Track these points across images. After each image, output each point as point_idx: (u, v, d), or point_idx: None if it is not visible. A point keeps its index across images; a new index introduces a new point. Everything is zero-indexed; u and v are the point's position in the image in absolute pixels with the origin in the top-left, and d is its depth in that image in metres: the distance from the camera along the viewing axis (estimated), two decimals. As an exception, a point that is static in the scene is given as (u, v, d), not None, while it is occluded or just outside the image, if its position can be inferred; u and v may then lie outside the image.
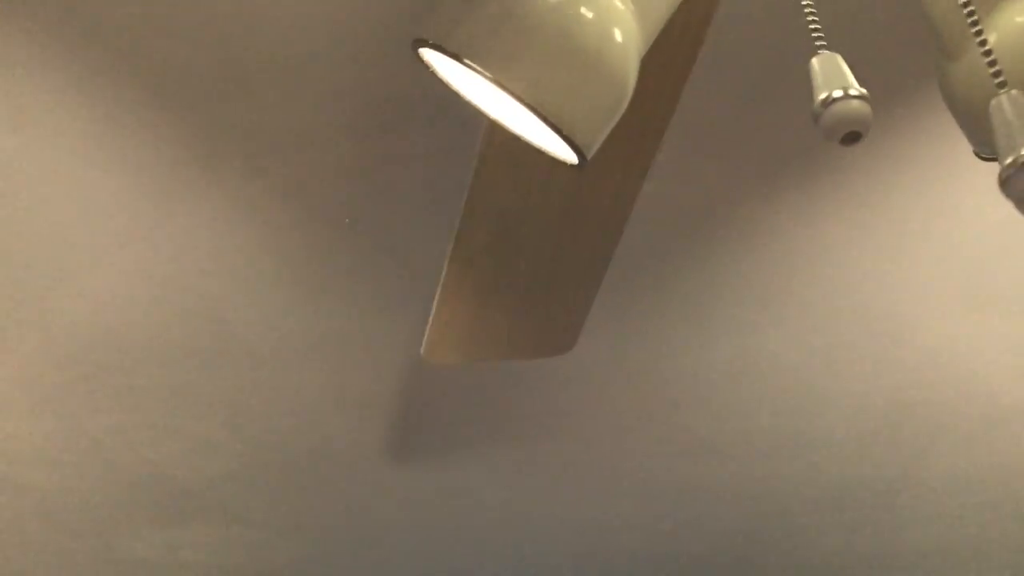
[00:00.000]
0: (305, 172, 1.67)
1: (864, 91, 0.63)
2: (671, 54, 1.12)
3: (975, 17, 0.61)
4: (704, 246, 1.85)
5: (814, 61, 0.65)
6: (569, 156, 0.76)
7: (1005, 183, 0.58)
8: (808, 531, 2.86)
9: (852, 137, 0.64)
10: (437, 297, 1.39)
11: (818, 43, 0.65)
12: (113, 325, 1.95)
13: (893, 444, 2.47)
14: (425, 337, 1.45)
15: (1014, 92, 0.60)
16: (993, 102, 0.60)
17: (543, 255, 1.36)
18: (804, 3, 0.66)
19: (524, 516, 2.70)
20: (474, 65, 0.68)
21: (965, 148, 1.71)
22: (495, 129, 1.21)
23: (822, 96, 0.64)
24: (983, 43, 0.61)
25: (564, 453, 2.43)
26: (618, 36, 0.71)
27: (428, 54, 0.74)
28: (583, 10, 0.69)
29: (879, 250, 1.90)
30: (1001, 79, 0.61)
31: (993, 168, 1.86)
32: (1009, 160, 0.58)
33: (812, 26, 0.65)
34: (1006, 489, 2.70)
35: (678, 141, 1.60)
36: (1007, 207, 2.02)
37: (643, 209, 1.72)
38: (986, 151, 0.84)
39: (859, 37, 1.45)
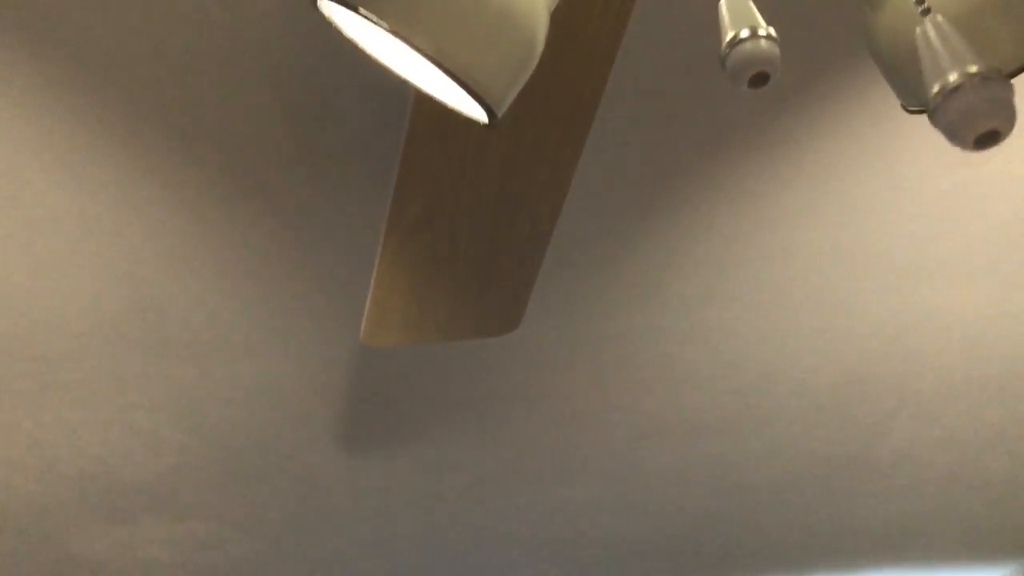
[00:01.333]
0: (241, 161, 1.63)
1: (772, 31, 0.61)
2: (603, 16, 1.10)
3: None
4: (651, 222, 1.83)
5: (722, 3, 0.63)
6: (480, 114, 0.73)
7: (934, 113, 0.56)
8: (766, 508, 2.87)
9: (760, 79, 0.61)
10: (374, 277, 1.35)
11: None
12: (52, 319, 1.89)
13: (847, 420, 2.47)
14: (364, 320, 1.41)
15: (939, 18, 0.58)
16: (918, 31, 0.58)
17: (480, 230, 1.33)
18: None
19: (483, 502, 2.68)
20: (371, 16, 0.65)
21: (910, 121, 1.71)
22: (423, 102, 1.18)
23: (729, 36, 0.61)
24: None
25: (521, 438, 2.40)
26: (524, -15, 0.68)
27: (328, 7, 0.70)
28: (486, -42, 0.66)
29: (826, 224, 1.89)
30: (925, 6, 0.59)
31: (938, 141, 1.85)
32: (936, 89, 0.56)
33: None
34: (957, 463, 2.72)
35: (621, 112, 1.59)
36: (952, 178, 2.02)
37: (587, 183, 1.71)
38: (913, 103, 0.82)
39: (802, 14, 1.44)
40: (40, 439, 2.19)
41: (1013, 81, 0.78)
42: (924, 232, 1.93)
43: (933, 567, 3.40)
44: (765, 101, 1.63)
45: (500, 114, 0.71)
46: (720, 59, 0.61)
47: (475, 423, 2.33)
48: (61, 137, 1.55)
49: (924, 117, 1.77)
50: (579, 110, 1.22)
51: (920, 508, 2.95)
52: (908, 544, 3.19)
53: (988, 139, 0.56)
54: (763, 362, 2.22)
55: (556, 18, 1.05)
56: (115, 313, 1.90)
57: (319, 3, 0.69)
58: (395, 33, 0.65)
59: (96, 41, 1.41)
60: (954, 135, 0.56)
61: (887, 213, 1.89)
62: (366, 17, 0.65)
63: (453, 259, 1.37)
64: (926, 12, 0.58)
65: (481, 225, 1.33)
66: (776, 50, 0.60)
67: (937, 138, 1.91)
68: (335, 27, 0.74)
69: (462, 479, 2.56)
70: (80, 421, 2.18)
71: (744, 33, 0.61)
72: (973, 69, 0.55)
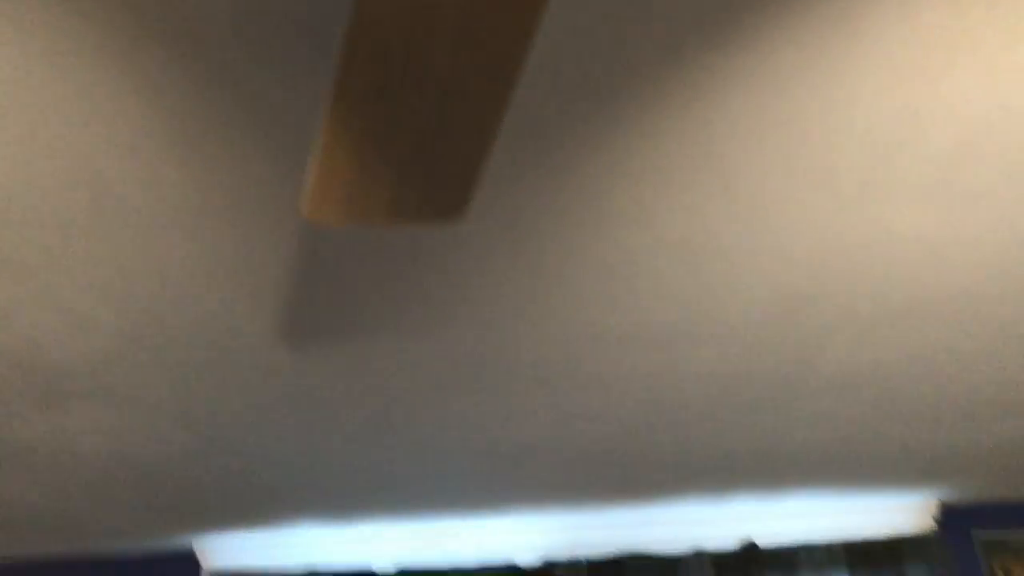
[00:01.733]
0: (184, 31, 1.56)
1: None
2: None
3: None
4: (602, 126, 1.81)
5: None
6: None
7: None
8: (697, 424, 2.92)
9: None
10: (318, 151, 1.32)
11: None
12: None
13: (785, 339, 2.51)
14: (307, 193, 1.38)
15: None
16: None
17: (429, 106, 1.30)
18: None
19: (421, 404, 2.68)
20: None
21: (864, 33, 1.70)
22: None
23: None
24: None
25: (463, 341, 2.40)
26: None
27: None
28: None
29: (778, 136, 1.89)
30: None
31: (892, 56, 1.82)
32: None
33: None
34: (894, 387, 2.78)
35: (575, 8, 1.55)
36: (904, 97, 2.02)
37: (533, 85, 1.68)
38: None
39: None
40: (-31, 315, 2.13)
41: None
42: (874, 150, 1.93)
43: (859, 491, 3.51)
44: (719, 5, 1.60)
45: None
46: None
47: (419, 326, 2.32)
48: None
49: (879, 35, 1.74)
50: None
51: (847, 432, 3.03)
52: (833, 467, 3.28)
53: None
54: (706, 276, 2.24)
55: None
56: (50, 187, 1.84)
57: None
58: None
59: None
60: None
61: (838, 130, 1.89)
62: None
63: (400, 135, 1.34)
64: None
65: (430, 101, 1.30)
66: None
67: (892, 53, 1.89)
68: None
69: (406, 380, 2.56)
70: (9, 299, 2.12)
71: None
72: None
